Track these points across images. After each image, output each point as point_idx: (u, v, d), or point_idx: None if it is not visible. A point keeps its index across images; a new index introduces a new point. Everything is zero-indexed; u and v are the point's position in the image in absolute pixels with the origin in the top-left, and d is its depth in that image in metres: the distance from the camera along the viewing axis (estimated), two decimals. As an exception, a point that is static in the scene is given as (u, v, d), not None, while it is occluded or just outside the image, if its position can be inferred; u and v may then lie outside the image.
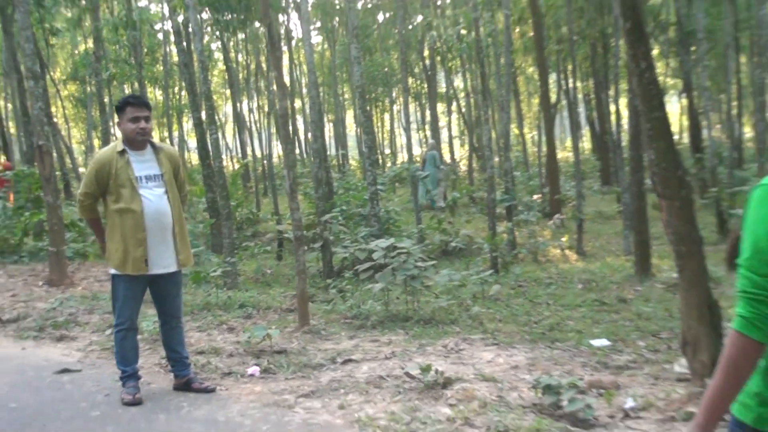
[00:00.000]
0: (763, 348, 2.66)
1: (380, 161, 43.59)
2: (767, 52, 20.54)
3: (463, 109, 40.30)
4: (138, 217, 7.10)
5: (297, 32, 38.27)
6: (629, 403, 6.54)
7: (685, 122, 31.18)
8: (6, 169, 27.93)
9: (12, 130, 39.42)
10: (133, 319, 7.40)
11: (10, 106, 37.95)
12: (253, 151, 42.84)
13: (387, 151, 53.49)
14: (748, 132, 36.91)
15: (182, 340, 7.71)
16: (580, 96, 36.50)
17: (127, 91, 32.66)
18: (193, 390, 7.53)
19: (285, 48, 34.55)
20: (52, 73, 38.53)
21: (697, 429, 2.74)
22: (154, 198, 7.21)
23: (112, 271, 7.36)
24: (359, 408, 6.96)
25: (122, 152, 7.20)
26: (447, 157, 40.91)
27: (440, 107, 43.95)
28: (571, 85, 28.77)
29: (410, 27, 32.73)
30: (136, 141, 7.24)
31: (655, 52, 29.78)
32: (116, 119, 7.54)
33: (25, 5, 14.88)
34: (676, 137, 8.04)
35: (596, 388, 7.07)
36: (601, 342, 8.88)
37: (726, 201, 19.40)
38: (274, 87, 15.91)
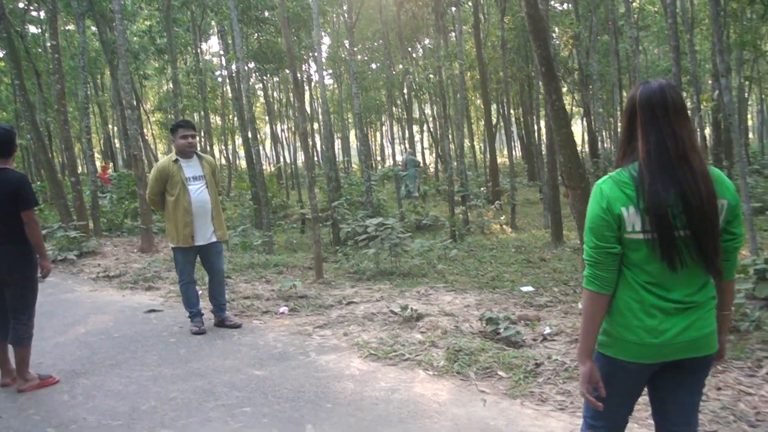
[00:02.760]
0: (601, 297, 2.76)
1: (373, 165, 43.44)
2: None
3: (431, 129, 40.14)
4: (187, 206, 7.26)
5: (315, 76, 37.98)
6: (547, 330, 6.51)
7: (586, 137, 31.08)
8: (106, 169, 27.71)
9: (117, 145, 39.41)
10: (190, 275, 7.55)
11: (115, 128, 37.88)
12: (284, 158, 42.64)
13: (378, 158, 53.44)
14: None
15: (222, 291, 7.73)
16: (513, 119, 36.47)
17: (196, 117, 32.51)
18: (226, 326, 7.60)
19: (306, 87, 34.36)
20: (144, 105, 38.33)
21: (579, 357, 2.85)
22: (198, 192, 7.36)
23: (171, 245, 7.53)
24: (358, 335, 6.94)
25: (176, 161, 7.37)
26: (420, 162, 40.77)
27: (415, 127, 43.78)
28: (506, 111, 28.71)
29: (394, 72, 32.46)
30: (186, 152, 7.31)
31: (564, 89, 29.71)
32: (172, 137, 7.60)
33: (126, 58, 14.84)
34: (579, 147, 8.00)
35: (524, 320, 7.03)
36: (528, 288, 8.83)
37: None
38: (298, 114, 15.74)
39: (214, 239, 7.44)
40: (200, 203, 7.31)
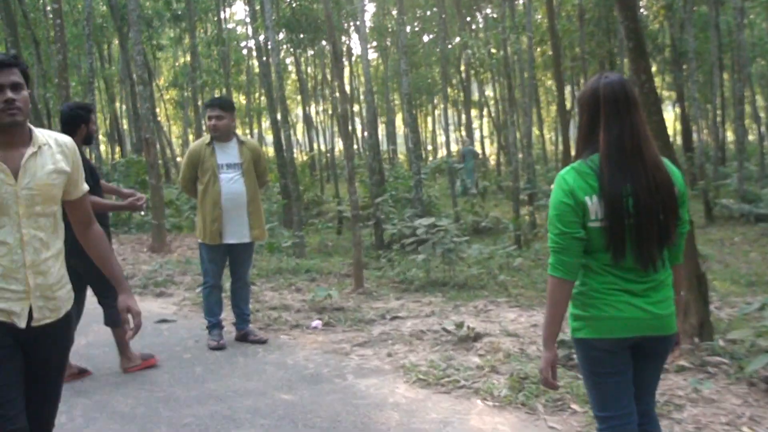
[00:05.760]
0: (566, 283, 3.29)
1: (423, 155, 43.45)
2: (745, 69, 20.19)
3: (493, 114, 40.00)
4: (216, 197, 7.24)
5: (356, 50, 38.17)
6: (630, 357, 6.43)
7: (678, 127, 30.63)
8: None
9: (125, 126, 39.91)
10: (216, 278, 7.50)
11: (123, 106, 38.36)
12: (318, 145, 42.86)
13: (429, 147, 53.43)
14: (730, 135, 36.38)
15: (246, 299, 7.74)
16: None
17: (217, 94, 32.78)
18: (250, 341, 7.59)
19: (346, 62, 34.51)
20: (157, 81, 38.81)
21: (543, 343, 3.45)
22: (232, 182, 7.31)
23: (198, 239, 7.55)
24: (404, 356, 6.93)
25: (209, 143, 7.32)
26: (480, 153, 40.62)
27: (474, 112, 43.69)
28: (583, 95, 28.43)
29: (449, 46, 32.45)
30: (214, 135, 7.32)
31: (653, 69, 29.40)
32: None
33: (138, 26, 15.03)
34: (670, 139, 7.89)
35: (602, 343, 6.97)
36: (606, 306, 8.74)
37: (712, 192, 19.16)
38: (337, 93, 15.79)
39: (247, 239, 7.45)
40: (232, 195, 7.30)
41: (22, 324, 3.26)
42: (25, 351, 3.36)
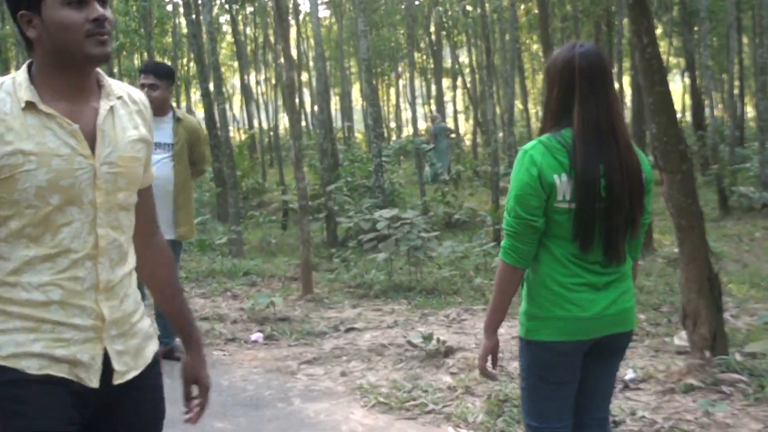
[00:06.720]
0: (517, 270, 3.53)
1: (385, 134, 43.47)
2: (769, 32, 20.32)
3: (468, 84, 40.14)
4: None
5: (305, 6, 38.08)
6: (629, 375, 6.49)
7: (688, 101, 31.00)
8: None
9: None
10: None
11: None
12: (259, 122, 42.74)
13: (392, 124, 53.40)
14: (749, 111, 36.68)
15: None
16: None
17: (136, 61, 32.46)
18: (175, 358, 7.49)
19: (292, 21, 34.40)
20: (62, 43, 38.45)
21: (485, 330, 3.69)
22: (159, 164, 7.05)
23: None
24: (361, 375, 6.96)
25: None
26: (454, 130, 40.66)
27: (445, 82, 43.85)
28: (575, 62, 28.57)
29: (417, 2, 32.49)
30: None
31: (658, 31, 29.63)
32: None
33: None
34: (678, 115, 7.90)
35: (596, 359, 7.03)
36: (602, 314, 8.80)
37: (728, 178, 19.20)
38: (282, 59, 15.77)
39: (172, 236, 7.19)
40: (158, 181, 7.06)
41: (94, 382, 2.43)
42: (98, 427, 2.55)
